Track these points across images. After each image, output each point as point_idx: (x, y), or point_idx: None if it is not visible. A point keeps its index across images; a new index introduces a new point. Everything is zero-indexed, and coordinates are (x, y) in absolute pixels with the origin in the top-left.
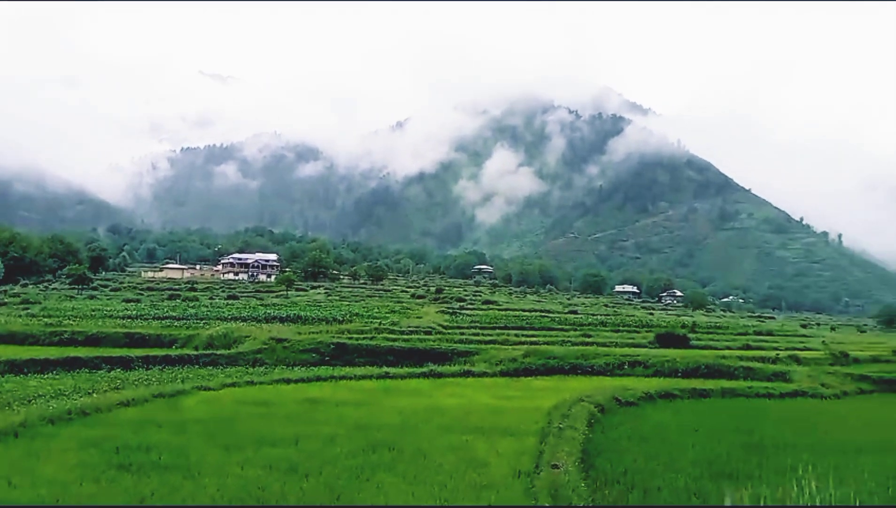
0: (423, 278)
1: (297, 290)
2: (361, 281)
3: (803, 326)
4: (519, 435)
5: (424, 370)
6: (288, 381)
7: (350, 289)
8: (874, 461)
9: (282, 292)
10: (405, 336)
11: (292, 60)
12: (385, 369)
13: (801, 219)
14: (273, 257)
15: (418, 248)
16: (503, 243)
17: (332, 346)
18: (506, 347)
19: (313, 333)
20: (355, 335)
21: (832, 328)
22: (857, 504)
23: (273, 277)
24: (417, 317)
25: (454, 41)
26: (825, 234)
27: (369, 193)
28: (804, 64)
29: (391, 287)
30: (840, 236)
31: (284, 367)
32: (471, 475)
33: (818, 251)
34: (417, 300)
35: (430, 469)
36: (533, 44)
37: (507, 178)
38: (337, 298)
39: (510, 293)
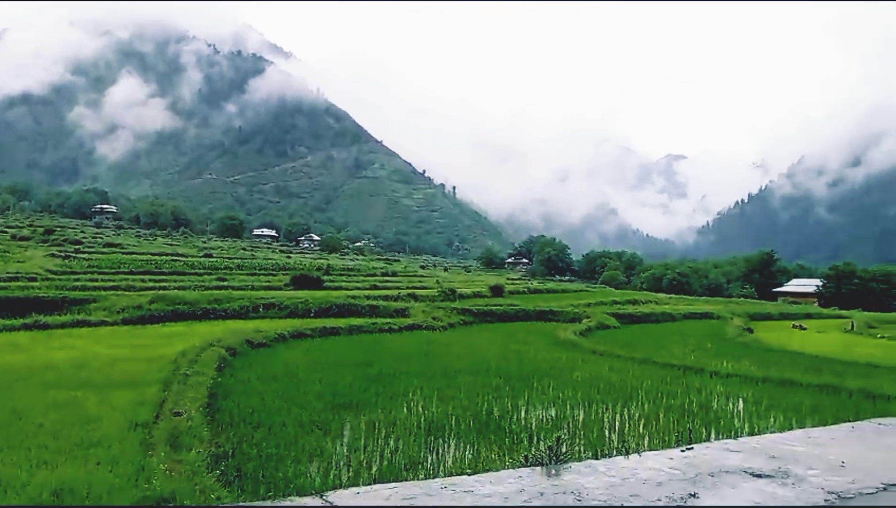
0: (27, 218)
1: None
2: None
3: (422, 267)
4: (139, 386)
5: (27, 321)
6: None
7: None
8: (469, 380)
9: None
10: (2, 284)
11: None
12: None
13: (424, 171)
14: None
15: (22, 182)
16: (131, 182)
17: None
18: (130, 293)
19: None
20: None
21: (445, 269)
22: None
23: None
24: (19, 261)
25: None
26: (443, 186)
27: None
28: (426, 33)
29: None
30: (454, 188)
31: None
32: (77, 433)
33: (437, 201)
34: (20, 243)
35: (27, 432)
36: None
37: (135, 109)
38: None
39: (138, 236)
